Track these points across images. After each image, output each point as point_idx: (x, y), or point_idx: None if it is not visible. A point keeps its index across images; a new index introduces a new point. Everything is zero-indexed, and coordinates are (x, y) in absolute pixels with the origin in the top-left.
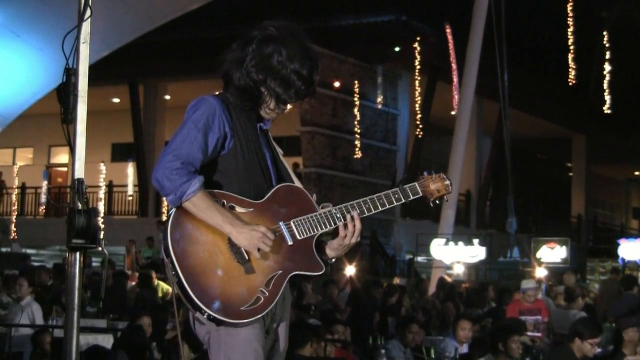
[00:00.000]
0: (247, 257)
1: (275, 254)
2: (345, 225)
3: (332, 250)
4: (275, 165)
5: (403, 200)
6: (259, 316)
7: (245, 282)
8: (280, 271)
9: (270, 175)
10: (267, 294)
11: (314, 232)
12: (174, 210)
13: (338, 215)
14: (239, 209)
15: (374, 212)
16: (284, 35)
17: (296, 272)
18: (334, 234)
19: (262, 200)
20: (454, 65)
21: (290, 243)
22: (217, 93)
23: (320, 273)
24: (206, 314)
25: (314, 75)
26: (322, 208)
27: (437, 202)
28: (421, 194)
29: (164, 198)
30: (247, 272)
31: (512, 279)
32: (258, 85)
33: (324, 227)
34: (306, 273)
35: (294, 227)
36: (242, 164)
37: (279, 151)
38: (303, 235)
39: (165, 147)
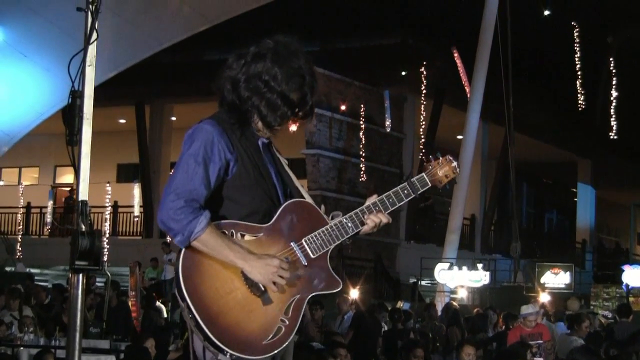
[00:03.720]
0: (263, 289)
1: (291, 278)
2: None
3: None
4: (281, 179)
5: (413, 195)
6: (284, 346)
7: (265, 315)
8: (299, 295)
9: (277, 191)
10: (288, 322)
11: (327, 247)
12: (182, 250)
13: (349, 225)
14: (248, 237)
15: (385, 212)
16: (279, 53)
17: (314, 293)
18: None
19: (271, 222)
20: (467, 88)
21: (305, 264)
22: (213, 114)
23: (339, 289)
24: (228, 354)
25: (307, 98)
26: (332, 218)
27: (447, 187)
28: (430, 184)
29: (172, 239)
30: (265, 303)
31: (515, 304)
32: (243, 103)
33: (336, 240)
34: (325, 292)
35: (306, 246)
36: (248, 186)
37: (284, 161)
38: (317, 252)
39: (166, 185)
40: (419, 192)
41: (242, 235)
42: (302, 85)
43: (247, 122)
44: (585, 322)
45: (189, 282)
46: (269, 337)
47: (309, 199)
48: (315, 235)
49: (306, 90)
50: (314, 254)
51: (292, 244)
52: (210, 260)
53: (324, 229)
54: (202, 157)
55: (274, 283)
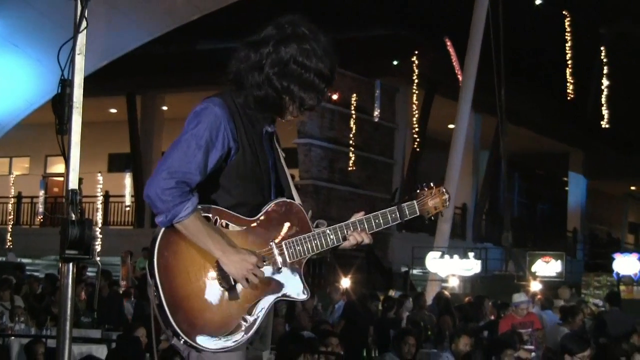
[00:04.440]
0: (233, 283)
1: (262, 278)
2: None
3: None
4: (275, 172)
5: (399, 220)
6: (240, 344)
7: (228, 309)
8: (265, 297)
9: (270, 186)
10: (249, 322)
11: (304, 255)
12: (162, 229)
13: (332, 237)
14: (232, 227)
15: (368, 232)
16: (302, 32)
17: (281, 298)
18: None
19: (257, 216)
20: (460, 77)
21: (279, 267)
22: (221, 94)
23: (305, 298)
24: (183, 340)
25: (335, 71)
26: (317, 226)
27: (432, 218)
28: (418, 213)
29: (156, 218)
30: (231, 297)
31: (507, 293)
32: (281, 94)
33: (315, 250)
34: (291, 299)
35: (285, 249)
36: (243, 175)
37: (281, 154)
38: (293, 258)
39: (161, 159)
40: (405, 219)
41: (226, 225)
42: (331, 59)
43: (279, 114)
44: (579, 314)
45: (162, 260)
46: (226, 333)
47: (297, 200)
48: (296, 241)
49: (334, 62)
50: (290, 259)
51: (272, 244)
52: (188, 244)
53: (305, 236)
54: (204, 141)
55: (247, 280)
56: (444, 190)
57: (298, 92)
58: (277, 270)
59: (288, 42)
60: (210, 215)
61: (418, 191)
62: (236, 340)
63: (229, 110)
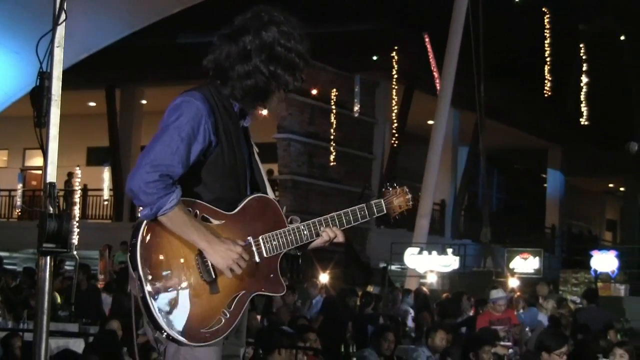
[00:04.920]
0: (214, 276)
1: (242, 272)
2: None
3: (306, 246)
4: (250, 166)
5: (368, 218)
6: (220, 338)
7: (209, 303)
8: (244, 291)
9: (246, 182)
10: (229, 315)
11: (281, 250)
12: (145, 222)
13: (305, 232)
14: (212, 221)
15: (340, 229)
16: (277, 18)
17: (259, 293)
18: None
19: (235, 211)
20: (435, 74)
21: (257, 261)
22: (200, 88)
23: (282, 294)
24: (165, 333)
25: (309, 51)
26: (291, 222)
27: (397, 217)
28: (385, 212)
29: (139, 211)
30: (212, 291)
31: (485, 289)
32: (270, 79)
33: (290, 245)
34: (269, 294)
35: (262, 244)
36: (222, 169)
37: (255, 149)
38: (270, 253)
39: (143, 152)
40: (373, 216)
41: (205, 219)
42: (306, 41)
43: (269, 100)
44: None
45: (145, 253)
46: (209, 327)
47: (272, 196)
48: (273, 235)
49: (308, 44)
50: (267, 254)
51: (249, 238)
52: (171, 237)
53: (281, 231)
54: (187, 134)
55: (231, 270)
56: (407, 190)
57: (284, 75)
58: (256, 265)
59: (268, 27)
60: (190, 209)
61: (384, 190)
62: (216, 334)
63: (209, 105)
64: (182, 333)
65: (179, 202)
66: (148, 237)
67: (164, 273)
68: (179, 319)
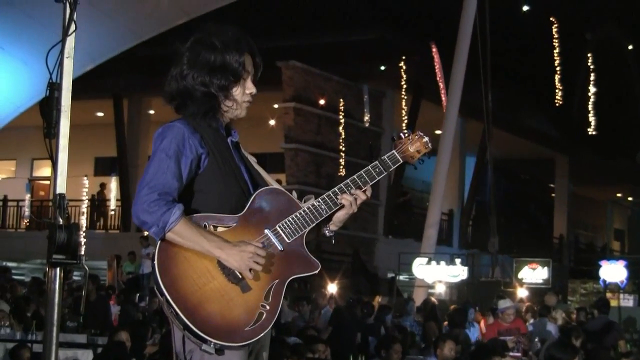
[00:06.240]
0: (240, 276)
1: (268, 264)
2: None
3: (336, 223)
4: (250, 174)
5: (385, 173)
6: (267, 330)
7: (245, 302)
8: (277, 280)
9: (248, 186)
10: (269, 307)
11: (302, 230)
12: (158, 244)
13: (323, 207)
14: (222, 228)
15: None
16: (205, 34)
17: (293, 276)
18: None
19: (243, 212)
20: (441, 85)
21: (280, 249)
22: (178, 119)
23: (317, 271)
24: (212, 343)
25: (249, 48)
26: (305, 202)
27: (421, 162)
28: (401, 160)
29: (147, 232)
30: (244, 290)
31: (493, 299)
32: (210, 86)
33: (310, 223)
34: (303, 275)
35: (280, 231)
36: (220, 179)
37: (252, 159)
38: (292, 237)
39: (140, 181)
40: (390, 169)
41: (215, 227)
42: (238, 43)
43: (218, 108)
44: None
45: (166, 275)
46: (251, 324)
47: (278, 186)
48: (289, 220)
49: (243, 45)
50: (289, 239)
51: (266, 230)
52: (186, 253)
53: (297, 213)
54: (173, 151)
55: (250, 270)
56: (421, 134)
57: (219, 80)
58: (280, 252)
59: (196, 45)
60: (198, 222)
61: (395, 141)
62: (263, 327)
63: (191, 126)
64: (227, 338)
65: (184, 216)
66: (164, 260)
67: (190, 289)
68: (221, 326)
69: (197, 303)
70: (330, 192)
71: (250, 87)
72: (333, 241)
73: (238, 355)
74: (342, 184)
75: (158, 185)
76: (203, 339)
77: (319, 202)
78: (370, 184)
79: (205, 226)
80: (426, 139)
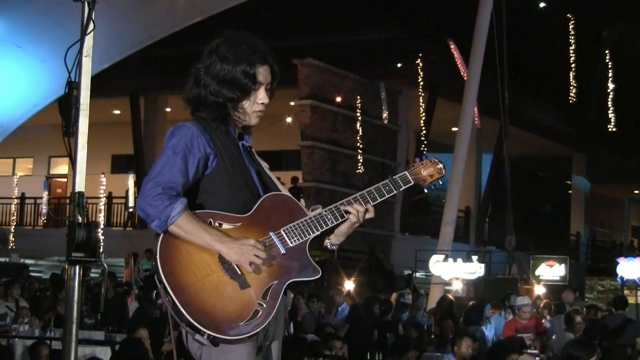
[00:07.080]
0: (239, 272)
1: (269, 264)
2: (347, 215)
3: (338, 236)
4: (260, 179)
5: (395, 191)
6: (261, 328)
7: (241, 298)
8: (276, 281)
9: (257, 189)
10: (265, 305)
11: (305, 237)
12: (160, 236)
13: (329, 217)
14: (226, 226)
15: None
16: (222, 42)
17: (292, 280)
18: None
19: (249, 213)
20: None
21: (282, 252)
22: (190, 120)
23: (316, 277)
24: (205, 334)
25: (263, 59)
26: (312, 211)
27: (432, 187)
28: (412, 182)
29: (150, 225)
30: (242, 287)
31: (510, 297)
32: (219, 97)
33: (315, 231)
34: (302, 279)
35: (284, 235)
36: (228, 181)
37: (265, 165)
38: (295, 242)
39: (146, 176)
40: (401, 189)
41: (220, 224)
42: (251, 56)
43: (228, 116)
44: (576, 318)
45: (166, 265)
46: (246, 319)
47: (287, 193)
48: (294, 226)
49: (257, 58)
50: (292, 243)
51: (270, 233)
52: (188, 245)
53: (302, 220)
54: (181, 149)
55: (250, 264)
56: (436, 160)
57: (227, 92)
58: (282, 255)
59: (211, 54)
60: (203, 218)
61: (410, 163)
62: (258, 324)
63: (201, 127)
64: (221, 330)
65: (187, 210)
66: (166, 251)
67: (189, 279)
68: (216, 318)
69: (194, 294)
70: (337, 204)
71: (262, 98)
72: (335, 255)
73: (245, 351)
74: (350, 197)
75: (163, 180)
76: (196, 329)
77: (325, 212)
78: (379, 200)
79: (210, 223)
80: (441, 165)
